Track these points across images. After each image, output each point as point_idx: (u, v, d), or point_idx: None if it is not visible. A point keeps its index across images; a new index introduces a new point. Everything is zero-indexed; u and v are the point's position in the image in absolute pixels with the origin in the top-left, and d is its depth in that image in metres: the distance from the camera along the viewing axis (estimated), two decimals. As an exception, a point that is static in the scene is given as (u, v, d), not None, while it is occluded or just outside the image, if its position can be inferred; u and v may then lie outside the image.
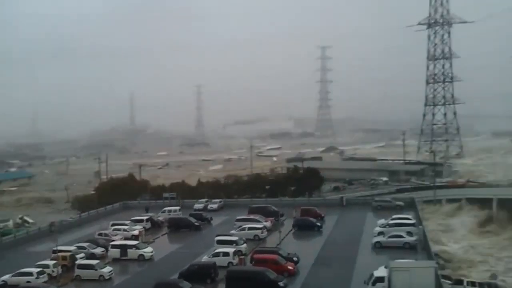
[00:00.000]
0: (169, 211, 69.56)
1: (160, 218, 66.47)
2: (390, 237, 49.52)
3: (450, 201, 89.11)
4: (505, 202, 78.86)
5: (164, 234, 61.38)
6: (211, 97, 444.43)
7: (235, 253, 45.38)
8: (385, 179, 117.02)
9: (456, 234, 72.99)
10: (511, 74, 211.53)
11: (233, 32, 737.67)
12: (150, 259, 48.65)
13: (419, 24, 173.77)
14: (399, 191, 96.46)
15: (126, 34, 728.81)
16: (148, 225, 63.31)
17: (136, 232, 56.71)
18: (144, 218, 64.45)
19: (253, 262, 43.20)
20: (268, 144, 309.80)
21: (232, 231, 55.50)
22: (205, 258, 45.20)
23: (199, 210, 72.56)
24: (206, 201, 78.13)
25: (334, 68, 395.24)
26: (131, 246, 49.16)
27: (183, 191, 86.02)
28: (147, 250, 49.34)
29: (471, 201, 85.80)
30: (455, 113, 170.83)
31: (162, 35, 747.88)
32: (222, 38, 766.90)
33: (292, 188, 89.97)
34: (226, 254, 44.79)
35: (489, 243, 67.53)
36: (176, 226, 62.15)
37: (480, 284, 44.78)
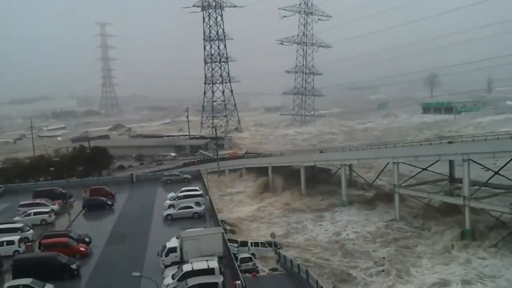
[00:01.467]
0: None
1: None
2: (180, 209, 52.05)
3: (232, 171, 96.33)
4: (278, 169, 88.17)
5: None
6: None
7: (20, 240, 42.94)
8: (173, 154, 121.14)
9: (239, 200, 79.50)
10: (277, 54, 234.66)
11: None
12: None
13: (194, 6, 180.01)
14: (186, 165, 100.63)
15: None
16: None
17: None
18: None
19: (41, 248, 41.55)
20: (50, 124, 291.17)
21: (16, 218, 52.15)
22: (-14, 250, 41.81)
23: (-27, 199, 65.98)
24: (-19, 189, 71.11)
25: (119, 46, 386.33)
26: None
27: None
28: None
29: (250, 170, 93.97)
30: (231, 91, 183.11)
31: None
32: None
33: (80, 168, 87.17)
34: (10, 242, 42.11)
35: (268, 207, 75.03)
36: None
37: (262, 243, 50.60)
